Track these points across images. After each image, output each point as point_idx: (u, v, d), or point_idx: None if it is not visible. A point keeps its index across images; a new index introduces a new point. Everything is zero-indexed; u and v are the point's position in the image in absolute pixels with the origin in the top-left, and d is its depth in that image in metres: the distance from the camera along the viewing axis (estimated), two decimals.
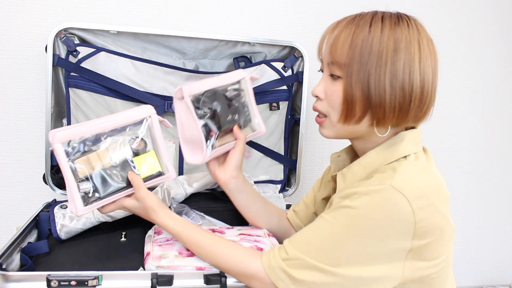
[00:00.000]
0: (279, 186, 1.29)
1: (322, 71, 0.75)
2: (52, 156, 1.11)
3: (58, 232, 0.93)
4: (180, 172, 1.18)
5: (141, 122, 0.78)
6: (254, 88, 1.18)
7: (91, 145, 0.73)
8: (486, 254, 1.76)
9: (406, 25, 0.67)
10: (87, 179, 0.72)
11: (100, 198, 0.74)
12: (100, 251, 0.90)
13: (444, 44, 1.55)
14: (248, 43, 1.20)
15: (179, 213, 0.99)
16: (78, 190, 0.72)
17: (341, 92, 0.69)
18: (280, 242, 0.81)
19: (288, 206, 1.22)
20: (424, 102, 0.68)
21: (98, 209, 0.75)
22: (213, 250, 0.73)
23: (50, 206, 1.01)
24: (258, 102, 1.21)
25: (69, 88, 1.11)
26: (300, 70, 1.24)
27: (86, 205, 0.72)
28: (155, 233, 0.86)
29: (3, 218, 1.34)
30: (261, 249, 0.80)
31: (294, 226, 0.96)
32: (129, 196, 0.77)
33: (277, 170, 1.29)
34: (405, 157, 0.69)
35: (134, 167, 0.76)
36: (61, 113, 1.15)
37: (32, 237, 0.96)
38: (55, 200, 1.05)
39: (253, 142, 1.23)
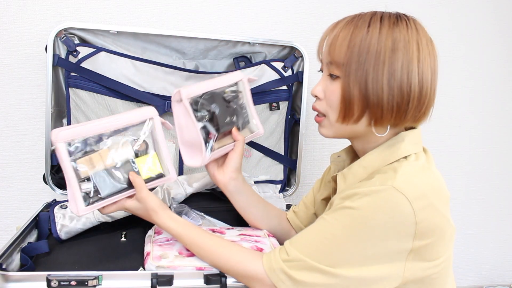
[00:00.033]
0: (279, 186, 1.29)
1: (322, 71, 0.75)
2: (52, 156, 1.11)
3: (58, 232, 0.93)
4: (180, 172, 1.19)
5: (142, 123, 0.78)
6: (254, 88, 1.19)
7: (92, 145, 0.73)
8: (486, 254, 1.76)
9: (405, 25, 0.67)
10: (88, 179, 0.72)
11: (101, 199, 0.74)
12: (100, 251, 0.90)
13: (444, 44, 1.55)
14: (248, 43, 1.20)
15: (179, 213, 0.99)
16: (80, 190, 0.71)
17: (339, 92, 0.69)
18: (281, 243, 0.81)
19: (288, 206, 1.22)
20: (423, 102, 0.68)
21: (98, 209, 0.75)
22: (214, 251, 0.73)
23: (50, 206, 1.01)
24: (258, 102, 1.21)
25: (69, 88, 1.11)
26: (300, 70, 1.24)
27: (87, 205, 0.72)
28: (155, 233, 0.86)
29: (3, 218, 1.34)
30: (261, 250, 0.80)
31: (294, 227, 0.95)
32: (130, 197, 0.77)
33: (277, 170, 1.29)
34: (405, 157, 0.69)
35: (136, 168, 0.76)
36: (61, 113, 1.15)
37: (32, 237, 0.96)
38: (55, 200, 1.05)
39: (253, 142, 1.24)
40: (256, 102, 1.20)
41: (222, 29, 1.36)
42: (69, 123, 1.13)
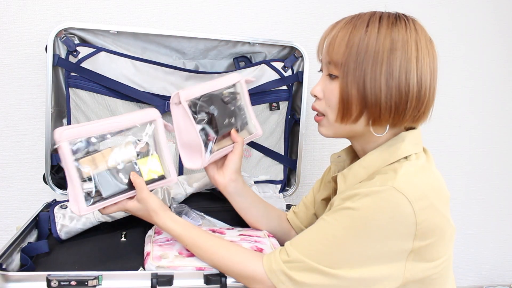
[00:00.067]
0: (279, 186, 1.29)
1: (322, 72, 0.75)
2: (52, 156, 1.11)
3: (58, 232, 0.93)
4: (180, 172, 1.18)
5: (145, 124, 0.78)
6: (254, 88, 1.19)
7: (94, 145, 0.73)
8: (486, 254, 1.76)
9: (404, 25, 0.67)
10: (89, 179, 0.72)
11: (102, 199, 0.74)
12: (100, 251, 0.90)
13: (444, 44, 1.55)
14: (248, 43, 1.20)
15: (179, 213, 0.99)
16: (82, 190, 0.71)
17: (337, 92, 0.69)
18: (281, 244, 0.81)
19: (288, 206, 1.22)
20: (422, 102, 0.68)
21: (99, 209, 0.75)
22: (214, 252, 0.73)
23: (50, 206, 1.01)
24: (258, 102, 1.21)
25: (69, 88, 1.11)
26: (300, 70, 1.24)
27: (88, 206, 0.72)
28: (155, 233, 0.86)
29: (3, 218, 1.34)
30: (261, 250, 0.80)
31: (294, 227, 0.95)
32: (131, 198, 0.77)
33: (277, 170, 1.29)
34: (405, 157, 0.69)
35: (138, 169, 0.77)
36: (61, 113, 1.15)
37: (32, 237, 0.96)
38: (55, 200, 1.05)
39: (253, 142, 1.23)
40: (256, 102, 1.21)
41: (222, 29, 1.36)
42: (69, 123, 1.13)
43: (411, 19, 0.69)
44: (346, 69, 0.67)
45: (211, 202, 1.06)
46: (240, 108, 0.88)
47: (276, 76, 1.21)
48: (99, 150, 0.73)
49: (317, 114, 0.76)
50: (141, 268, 0.81)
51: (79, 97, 1.11)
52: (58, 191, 1.15)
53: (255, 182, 1.23)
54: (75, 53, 1.09)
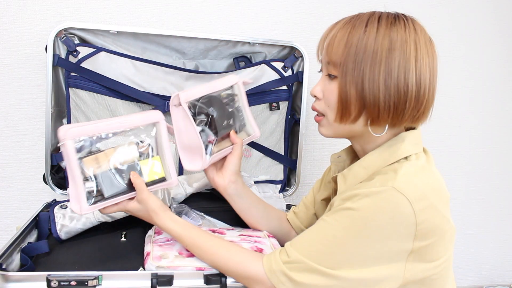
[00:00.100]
0: (279, 186, 1.29)
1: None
2: (52, 156, 1.11)
3: (58, 232, 0.93)
4: (180, 172, 1.18)
5: (147, 125, 0.78)
6: (254, 88, 1.19)
7: (96, 145, 0.73)
8: (486, 254, 1.76)
9: (403, 25, 0.67)
10: (91, 178, 0.72)
11: (104, 199, 0.74)
12: (100, 251, 0.90)
13: (444, 44, 1.55)
14: (248, 43, 1.20)
15: (179, 213, 0.99)
16: (84, 189, 0.71)
17: (336, 92, 0.69)
18: (281, 244, 0.81)
19: (288, 206, 1.22)
20: (421, 102, 0.67)
21: (99, 209, 0.75)
22: (214, 252, 0.73)
23: (50, 206, 1.01)
24: (258, 102, 1.21)
25: (69, 88, 1.11)
26: (300, 70, 1.24)
27: (90, 205, 0.72)
28: (155, 233, 0.86)
29: (3, 218, 1.34)
30: (261, 250, 0.80)
31: (294, 227, 0.95)
32: (131, 199, 0.78)
33: (277, 170, 1.29)
34: (406, 158, 0.69)
35: (140, 170, 0.77)
36: (61, 113, 1.15)
37: (32, 237, 0.96)
38: (55, 200, 1.05)
39: (253, 142, 1.23)
40: (256, 102, 1.21)
41: (222, 29, 1.36)
42: (69, 123, 1.13)
43: (411, 19, 0.69)
44: (345, 69, 0.67)
45: (211, 202, 1.06)
46: (238, 110, 0.88)
47: (276, 76, 1.21)
48: (101, 150, 0.73)
49: (317, 115, 0.76)
50: (141, 268, 0.81)
51: (79, 97, 1.11)
52: (58, 191, 1.15)
53: (255, 182, 1.23)
54: (75, 53, 1.09)
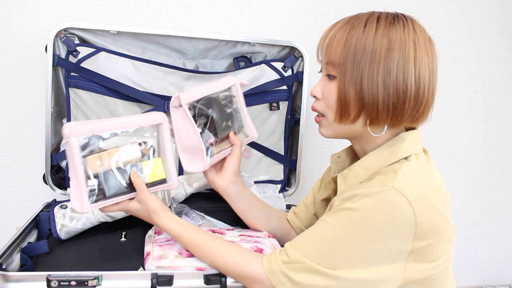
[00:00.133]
0: (279, 186, 1.29)
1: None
2: (52, 156, 1.12)
3: (58, 232, 0.93)
4: (180, 172, 1.19)
5: (150, 127, 0.78)
6: (254, 88, 1.19)
7: (98, 144, 0.73)
8: (486, 254, 1.76)
9: (402, 25, 0.67)
10: (93, 176, 0.72)
11: (105, 197, 0.74)
12: (100, 251, 0.90)
13: (444, 44, 1.55)
14: (248, 43, 1.20)
15: (179, 213, 0.99)
16: (86, 187, 0.72)
17: (336, 92, 0.69)
18: (281, 244, 0.81)
19: (288, 206, 1.22)
20: (420, 102, 0.67)
21: (100, 208, 0.75)
22: (213, 252, 0.73)
23: (50, 206, 1.01)
24: (258, 102, 1.21)
25: (69, 88, 1.11)
26: (300, 70, 1.24)
27: (91, 203, 0.73)
28: (155, 233, 0.86)
29: (3, 218, 1.34)
30: (261, 250, 0.80)
31: (294, 227, 0.95)
32: (132, 199, 0.78)
33: (277, 170, 1.29)
34: (405, 158, 0.69)
35: (141, 171, 0.77)
36: (61, 113, 1.15)
37: (32, 237, 0.96)
38: (55, 200, 1.05)
39: (253, 142, 1.23)
40: (256, 102, 1.21)
41: (222, 29, 1.36)
42: None
43: (410, 19, 0.69)
44: (344, 69, 0.67)
45: (211, 202, 1.06)
46: (237, 111, 0.88)
47: (276, 76, 1.21)
48: (103, 149, 0.73)
49: (317, 115, 0.76)
50: (141, 268, 0.81)
51: (79, 97, 1.11)
52: (58, 191, 1.15)
53: (255, 182, 1.23)
54: (75, 53, 1.09)
